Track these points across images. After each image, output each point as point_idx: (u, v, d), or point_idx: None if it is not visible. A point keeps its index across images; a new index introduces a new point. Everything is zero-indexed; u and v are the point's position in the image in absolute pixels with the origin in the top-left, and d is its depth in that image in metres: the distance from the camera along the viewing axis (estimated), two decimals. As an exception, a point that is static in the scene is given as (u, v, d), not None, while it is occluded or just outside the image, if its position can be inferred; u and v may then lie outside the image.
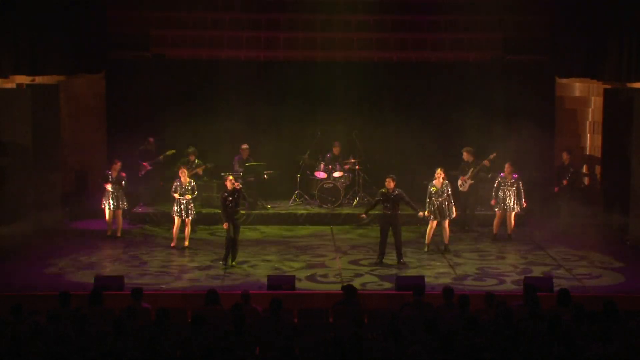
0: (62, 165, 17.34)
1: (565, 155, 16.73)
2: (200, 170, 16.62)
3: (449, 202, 14.56)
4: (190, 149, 16.95)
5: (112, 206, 15.46)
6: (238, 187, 13.87)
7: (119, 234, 15.69)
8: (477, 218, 16.61)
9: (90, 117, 18.39)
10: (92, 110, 18.40)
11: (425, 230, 14.84)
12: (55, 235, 15.71)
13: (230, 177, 14.01)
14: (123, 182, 15.58)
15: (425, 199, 14.61)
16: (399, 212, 14.02)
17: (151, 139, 17.51)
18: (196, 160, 16.79)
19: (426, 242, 14.74)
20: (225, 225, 13.81)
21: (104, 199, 15.56)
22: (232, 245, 13.78)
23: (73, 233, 16.18)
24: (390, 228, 13.85)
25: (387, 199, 13.77)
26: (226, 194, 13.88)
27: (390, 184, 13.82)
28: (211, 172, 17.25)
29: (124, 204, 15.62)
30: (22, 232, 15.17)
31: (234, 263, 13.74)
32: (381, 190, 13.95)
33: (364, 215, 14.55)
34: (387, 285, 12.66)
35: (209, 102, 18.08)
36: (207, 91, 18.17)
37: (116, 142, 17.58)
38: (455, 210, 14.77)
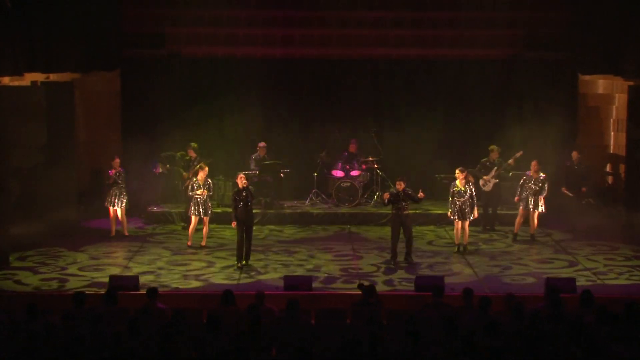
0: (77, 164, 17.39)
1: (575, 155, 16.52)
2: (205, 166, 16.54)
3: (471, 203, 14.51)
4: (193, 145, 16.63)
5: (113, 205, 15.53)
6: (246, 185, 13.83)
7: (126, 233, 15.75)
8: (498, 217, 16.52)
9: (105, 114, 18.46)
10: (107, 108, 18.47)
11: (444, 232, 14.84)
12: (69, 234, 15.78)
13: (241, 175, 13.97)
14: (119, 179, 15.55)
15: (449, 199, 14.59)
16: (409, 212, 14.04)
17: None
18: (197, 158, 16.66)
19: (455, 242, 14.73)
20: (233, 224, 13.81)
21: (107, 198, 15.67)
22: (245, 245, 13.77)
23: (88, 232, 16.26)
24: (401, 228, 13.86)
25: (397, 198, 13.79)
26: (236, 192, 13.88)
27: (400, 185, 13.87)
28: (212, 170, 17.05)
29: (123, 202, 15.62)
30: (37, 231, 15.23)
31: (244, 262, 13.69)
32: (391, 190, 13.99)
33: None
34: (405, 286, 12.62)
35: (224, 100, 18.09)
36: (222, 89, 18.19)
37: (131, 140, 17.62)
38: (477, 211, 14.69)
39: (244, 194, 13.80)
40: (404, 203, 13.82)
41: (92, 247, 15.01)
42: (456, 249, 14.64)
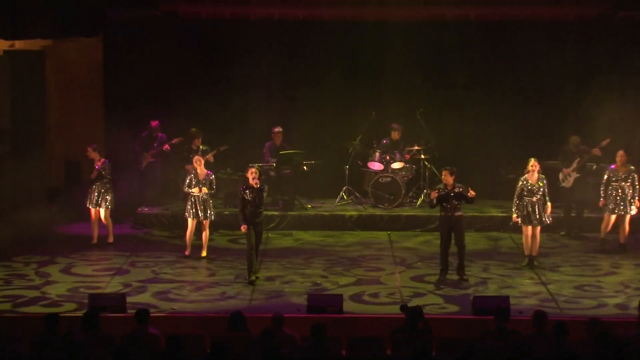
0: (48, 153, 17.55)
1: None
2: (211, 157, 16.65)
3: (544, 203, 14.43)
4: (196, 131, 16.84)
5: (95, 204, 15.64)
6: (257, 182, 13.76)
7: (110, 240, 15.88)
8: (583, 221, 16.44)
9: (84, 92, 18.58)
10: (86, 84, 18.58)
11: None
12: (39, 241, 15.93)
13: (253, 169, 13.93)
14: (104, 171, 15.59)
15: (514, 199, 14.51)
16: (463, 212, 14.00)
17: (153, 123, 17.54)
18: (201, 147, 16.77)
19: (525, 252, 14.70)
20: (243, 228, 13.85)
21: (88, 197, 15.77)
22: (253, 255, 13.82)
23: (62, 239, 16.40)
24: (452, 234, 13.86)
25: (445, 197, 13.78)
26: (244, 189, 13.88)
27: (447, 178, 13.78)
28: (218, 161, 17.12)
29: (107, 202, 15.69)
30: (-1, 237, 15.43)
31: (253, 277, 13.73)
32: (439, 186, 13.98)
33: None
34: (457, 307, 12.66)
35: (233, 74, 18.12)
36: (230, 59, 18.24)
37: (116, 124, 17.72)
38: (550, 211, 14.58)
39: (254, 192, 13.81)
40: (455, 202, 13.78)
41: (68, 258, 15.12)
42: (525, 262, 14.61)
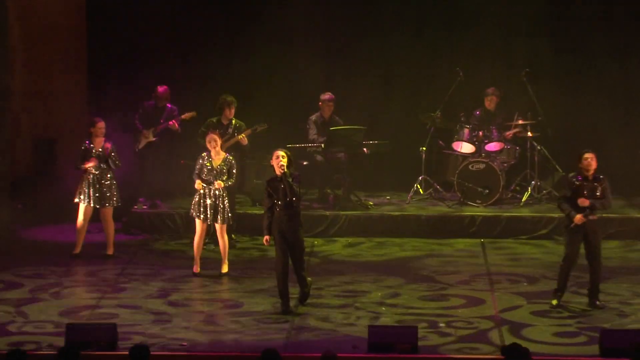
0: (12, 130, 17.66)
1: None
2: (244, 137, 16.64)
3: None
4: (228, 98, 16.68)
5: (92, 202, 15.67)
6: (283, 170, 13.54)
7: (109, 252, 15.97)
8: None
9: (61, 45, 18.68)
10: (63, 37, 18.69)
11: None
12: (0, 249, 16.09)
13: (278, 153, 13.72)
14: (111, 159, 15.67)
15: None
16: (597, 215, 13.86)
17: (160, 89, 17.48)
18: (233, 121, 16.76)
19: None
20: (265, 240, 13.72)
21: (79, 189, 15.78)
22: (295, 273, 13.69)
23: (30, 246, 16.59)
24: (584, 243, 13.71)
25: (581, 188, 13.61)
26: (267, 183, 13.75)
27: (591, 163, 13.60)
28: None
29: (113, 199, 15.80)
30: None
31: (293, 306, 13.72)
32: (572, 174, 13.82)
33: None
34: (582, 343, 12.58)
35: (264, 20, 18.24)
36: (257, 2, 18.32)
37: (104, 89, 17.85)
38: None
39: (282, 185, 13.65)
40: (592, 199, 13.55)
41: (39, 273, 15.22)
42: None
